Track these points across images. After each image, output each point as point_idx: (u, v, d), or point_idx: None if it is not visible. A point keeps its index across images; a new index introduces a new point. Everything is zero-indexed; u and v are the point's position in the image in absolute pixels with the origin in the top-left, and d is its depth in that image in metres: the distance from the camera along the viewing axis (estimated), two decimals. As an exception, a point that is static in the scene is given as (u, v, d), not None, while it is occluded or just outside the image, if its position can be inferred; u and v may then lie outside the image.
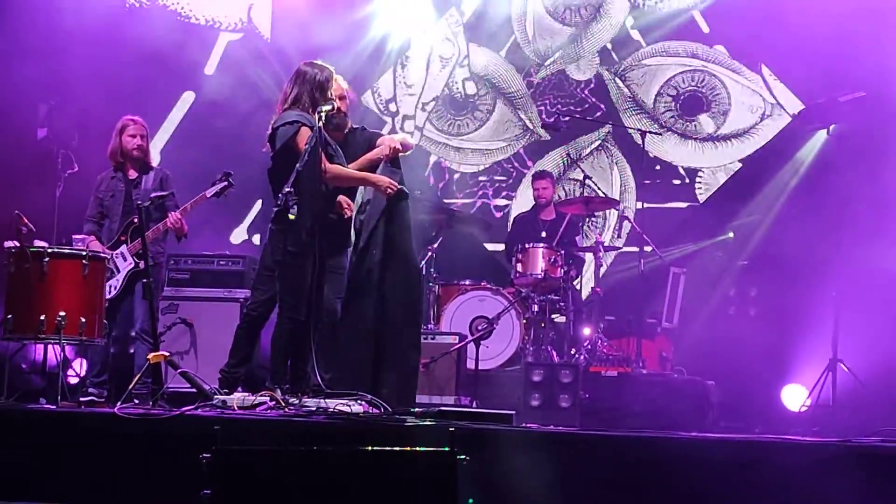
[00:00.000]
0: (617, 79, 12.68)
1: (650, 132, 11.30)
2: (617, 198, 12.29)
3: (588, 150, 12.84)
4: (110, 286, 8.71)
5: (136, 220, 8.83)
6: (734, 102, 12.35)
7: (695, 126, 12.49)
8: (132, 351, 9.11)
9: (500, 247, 12.30)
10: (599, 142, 12.84)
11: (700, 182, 12.50)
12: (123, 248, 8.91)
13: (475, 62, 13.03)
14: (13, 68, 11.11)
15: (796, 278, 11.25)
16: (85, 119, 11.25)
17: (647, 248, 10.82)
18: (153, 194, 8.82)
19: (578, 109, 12.76)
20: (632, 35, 12.63)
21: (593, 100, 12.81)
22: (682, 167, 12.49)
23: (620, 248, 11.13)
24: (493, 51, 13.03)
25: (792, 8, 11.35)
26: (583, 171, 11.56)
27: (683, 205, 12.52)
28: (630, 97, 12.67)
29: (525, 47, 13.00)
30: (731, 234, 12.47)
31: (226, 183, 8.88)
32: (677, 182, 12.52)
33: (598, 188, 11.73)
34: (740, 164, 12.36)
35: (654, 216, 12.35)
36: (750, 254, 12.15)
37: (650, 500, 6.17)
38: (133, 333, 9.01)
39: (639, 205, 12.43)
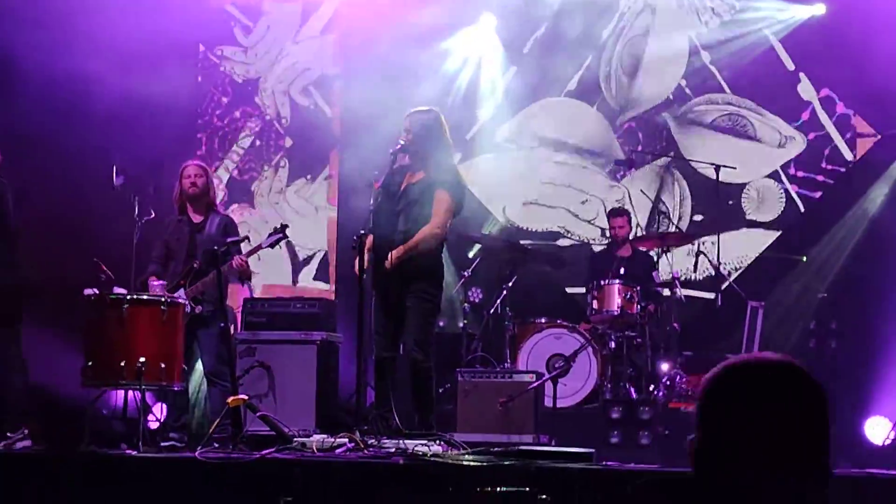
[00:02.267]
0: (674, 120, 13.50)
1: (725, 166, 11.24)
2: (678, 213, 12.86)
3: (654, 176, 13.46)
4: None
5: (196, 265, 8.91)
6: (758, 135, 13.22)
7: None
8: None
9: (581, 290, 12.15)
10: (663, 166, 13.38)
11: (745, 198, 13.05)
12: (181, 291, 8.91)
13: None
14: (89, 115, 11.22)
15: (877, 309, 11.09)
16: (161, 166, 11.37)
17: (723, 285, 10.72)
18: (229, 239, 8.86)
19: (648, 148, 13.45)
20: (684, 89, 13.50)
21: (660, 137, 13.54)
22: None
23: (697, 280, 11.02)
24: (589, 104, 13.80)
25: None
26: (655, 205, 11.56)
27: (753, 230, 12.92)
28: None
29: (610, 101, 13.70)
30: (804, 258, 12.36)
31: (281, 235, 8.89)
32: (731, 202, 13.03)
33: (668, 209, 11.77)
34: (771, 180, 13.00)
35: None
36: (829, 286, 12.01)
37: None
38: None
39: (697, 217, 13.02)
